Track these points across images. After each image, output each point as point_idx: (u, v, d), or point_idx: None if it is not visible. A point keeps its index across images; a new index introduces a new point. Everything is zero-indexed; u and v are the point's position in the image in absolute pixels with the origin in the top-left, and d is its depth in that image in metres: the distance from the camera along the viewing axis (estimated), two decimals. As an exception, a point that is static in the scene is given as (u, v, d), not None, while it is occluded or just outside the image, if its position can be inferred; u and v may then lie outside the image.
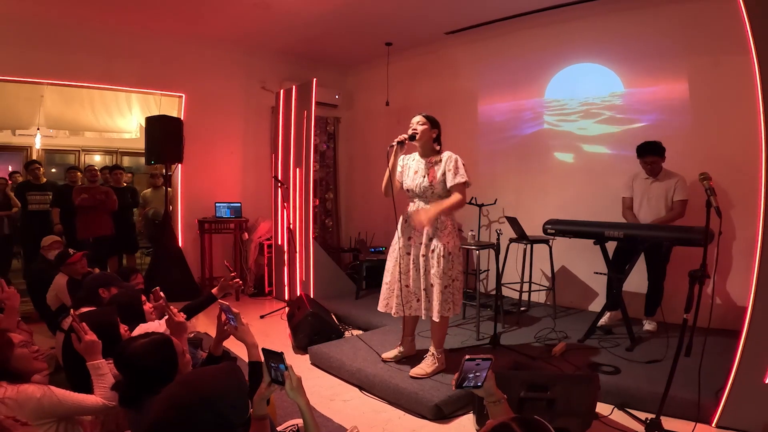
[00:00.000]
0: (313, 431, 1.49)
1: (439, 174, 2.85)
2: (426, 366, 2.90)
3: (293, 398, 1.49)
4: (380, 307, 3.03)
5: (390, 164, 2.93)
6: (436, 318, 2.81)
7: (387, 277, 3.01)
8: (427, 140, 2.91)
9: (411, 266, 2.91)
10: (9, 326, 2.37)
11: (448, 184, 2.83)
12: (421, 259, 2.86)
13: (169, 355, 1.61)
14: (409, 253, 2.93)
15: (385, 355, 3.14)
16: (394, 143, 2.88)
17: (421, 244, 2.87)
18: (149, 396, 1.16)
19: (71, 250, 3.70)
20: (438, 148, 2.95)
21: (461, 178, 2.81)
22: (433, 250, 2.83)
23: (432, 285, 2.82)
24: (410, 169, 2.97)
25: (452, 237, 2.86)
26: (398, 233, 2.96)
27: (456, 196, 2.81)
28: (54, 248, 4.05)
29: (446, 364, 2.96)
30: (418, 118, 2.94)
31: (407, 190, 2.97)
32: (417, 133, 2.87)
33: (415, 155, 3.00)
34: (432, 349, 2.95)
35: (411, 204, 2.98)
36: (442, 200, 2.84)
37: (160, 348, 1.59)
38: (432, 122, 2.93)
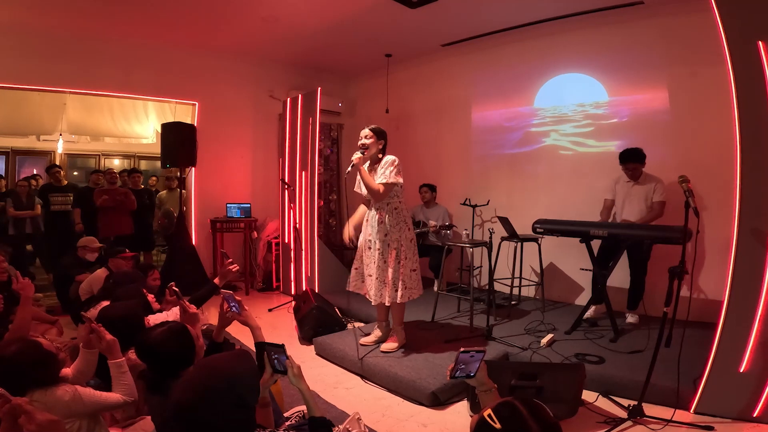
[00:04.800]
0: (313, 412, 1.53)
1: (377, 177, 3.03)
2: (393, 342, 3.17)
3: (295, 384, 1.53)
4: (349, 287, 3.25)
5: (362, 178, 3.03)
6: (387, 303, 3.05)
7: (356, 264, 3.24)
8: (375, 152, 3.06)
9: (371, 258, 3.11)
10: (25, 314, 2.36)
11: (377, 181, 3.02)
12: (378, 254, 3.05)
13: (186, 340, 1.63)
14: (370, 248, 3.11)
15: (363, 340, 3.27)
16: (349, 169, 2.99)
17: (378, 239, 3.05)
18: (173, 380, 1.16)
19: (126, 249, 3.84)
20: (381, 155, 3.09)
21: (384, 179, 2.98)
22: (388, 245, 3.04)
23: (388, 275, 3.03)
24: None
25: (404, 232, 3.06)
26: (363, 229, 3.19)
27: (378, 185, 2.99)
28: (96, 252, 4.11)
29: (446, 351, 3.01)
30: (366, 132, 3.07)
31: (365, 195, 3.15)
32: (366, 149, 3.02)
33: (366, 164, 3.14)
34: (395, 327, 3.20)
35: (370, 210, 3.15)
36: (372, 178, 3.02)
37: (177, 334, 1.62)
38: (378, 134, 3.07)
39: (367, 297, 3.17)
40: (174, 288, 2.47)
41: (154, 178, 8.06)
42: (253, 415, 1.24)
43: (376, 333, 3.31)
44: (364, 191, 3.11)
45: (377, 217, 3.07)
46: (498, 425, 1.00)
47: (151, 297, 2.61)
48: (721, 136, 2.89)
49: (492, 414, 1.02)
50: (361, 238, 3.21)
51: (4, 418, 1.20)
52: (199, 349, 1.70)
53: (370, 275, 3.12)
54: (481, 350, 1.44)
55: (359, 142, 3.05)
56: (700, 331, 2.74)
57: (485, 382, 1.47)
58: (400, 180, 3.02)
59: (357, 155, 2.96)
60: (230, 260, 2.65)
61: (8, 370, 1.43)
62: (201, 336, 1.95)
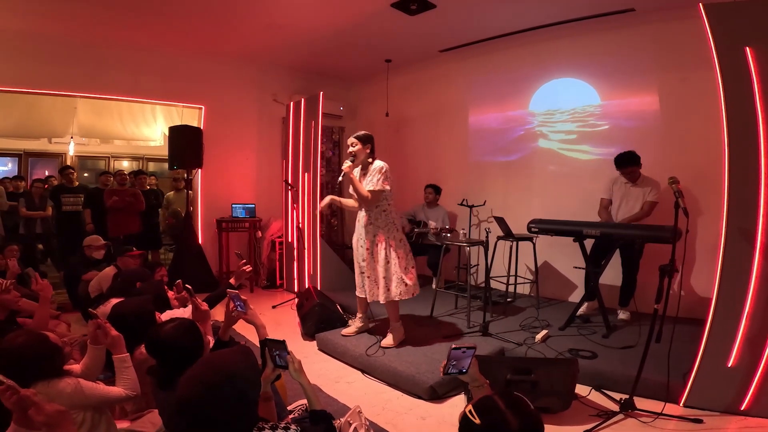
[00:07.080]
0: (314, 405, 1.53)
1: (366, 183, 3.06)
2: (391, 337, 3.17)
3: (296, 378, 1.53)
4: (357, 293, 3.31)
5: (353, 185, 3.05)
6: (382, 301, 3.08)
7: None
8: (363, 157, 3.10)
9: (361, 257, 3.16)
10: (43, 314, 2.37)
11: (366, 188, 3.03)
12: (366, 253, 3.10)
13: (197, 335, 1.63)
14: (360, 247, 3.16)
15: (344, 331, 3.37)
16: (341, 178, 3.12)
17: (367, 240, 3.09)
18: (179, 376, 1.17)
19: (134, 248, 3.86)
20: (371, 160, 3.10)
21: (371, 186, 3.02)
22: (377, 245, 3.07)
23: (378, 273, 3.07)
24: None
25: (392, 232, 3.09)
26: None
27: (366, 192, 3.01)
28: (102, 249, 4.11)
29: (444, 346, 3.03)
30: (351, 140, 3.10)
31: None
32: (354, 157, 3.08)
33: (358, 169, 3.17)
34: (392, 324, 3.19)
35: (360, 211, 3.18)
36: (361, 185, 3.04)
37: (188, 330, 1.61)
38: (363, 140, 3.09)
39: (363, 295, 3.22)
40: (186, 285, 2.48)
41: (152, 178, 8.02)
42: (255, 409, 1.24)
43: (356, 324, 3.39)
44: (355, 196, 3.15)
45: (365, 218, 3.11)
46: (478, 421, 1.00)
47: (171, 293, 2.60)
48: (709, 138, 2.89)
49: (472, 410, 1.02)
50: (354, 238, 3.27)
51: (14, 409, 1.20)
52: (206, 345, 1.70)
53: (362, 273, 3.19)
54: (472, 347, 1.43)
55: (347, 151, 3.12)
56: (689, 327, 2.74)
57: (477, 378, 1.46)
58: (387, 187, 3.03)
59: (346, 164, 3.02)
60: (244, 261, 2.66)
61: (14, 361, 1.43)
62: (210, 332, 1.95)
